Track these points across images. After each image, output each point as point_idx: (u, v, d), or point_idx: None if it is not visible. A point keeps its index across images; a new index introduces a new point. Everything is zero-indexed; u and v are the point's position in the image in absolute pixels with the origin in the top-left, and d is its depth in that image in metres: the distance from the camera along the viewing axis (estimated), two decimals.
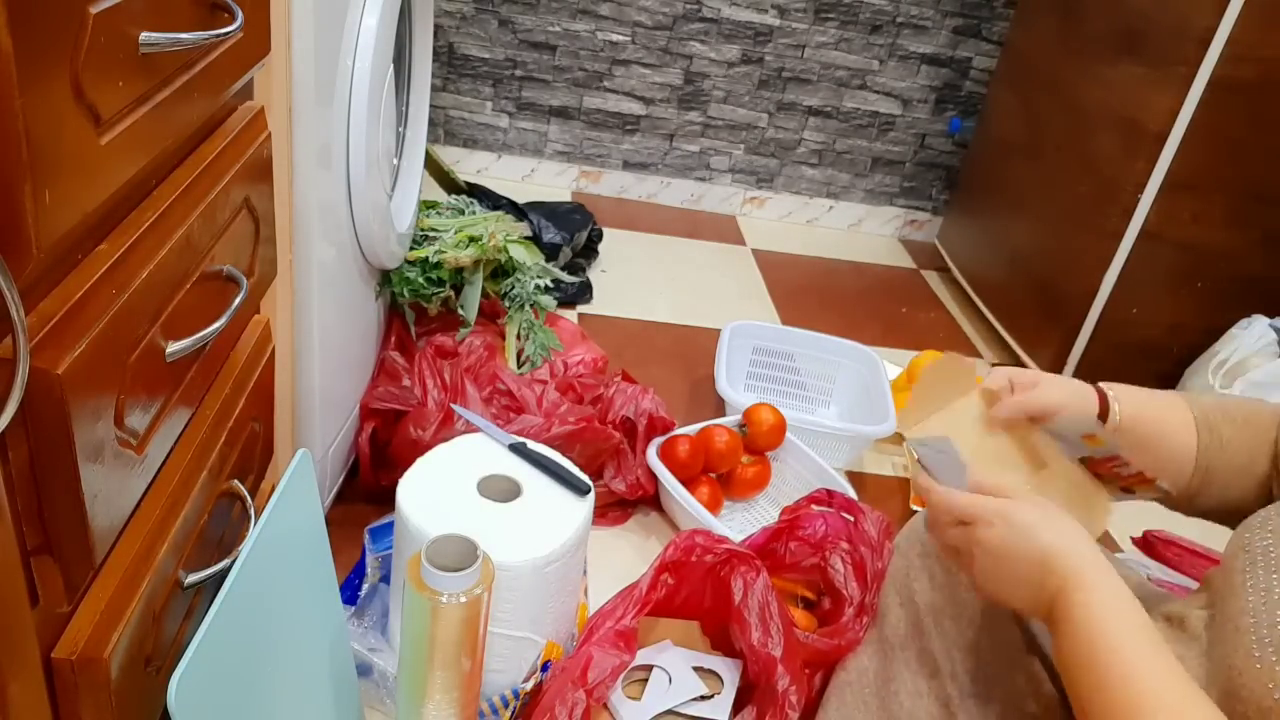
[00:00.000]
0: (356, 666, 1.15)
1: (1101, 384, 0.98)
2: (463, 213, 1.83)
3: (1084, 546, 0.72)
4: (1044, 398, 0.95)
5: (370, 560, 1.31)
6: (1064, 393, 0.96)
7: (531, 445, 1.24)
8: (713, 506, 1.51)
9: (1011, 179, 2.28)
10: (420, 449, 1.40)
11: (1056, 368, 2.01)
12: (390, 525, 1.30)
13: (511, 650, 1.12)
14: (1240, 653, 0.68)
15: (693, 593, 1.15)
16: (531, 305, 1.75)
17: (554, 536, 1.11)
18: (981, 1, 2.56)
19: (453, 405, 1.42)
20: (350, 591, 1.28)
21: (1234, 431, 0.92)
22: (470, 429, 1.35)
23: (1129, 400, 0.96)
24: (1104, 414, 0.95)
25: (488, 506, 1.14)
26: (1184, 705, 0.62)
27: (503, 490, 1.18)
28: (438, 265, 1.59)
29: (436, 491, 1.15)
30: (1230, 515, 0.90)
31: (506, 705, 1.11)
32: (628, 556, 1.46)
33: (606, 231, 2.40)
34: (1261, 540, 0.74)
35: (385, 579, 1.28)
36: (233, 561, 0.80)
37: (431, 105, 1.68)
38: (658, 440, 1.55)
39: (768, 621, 1.05)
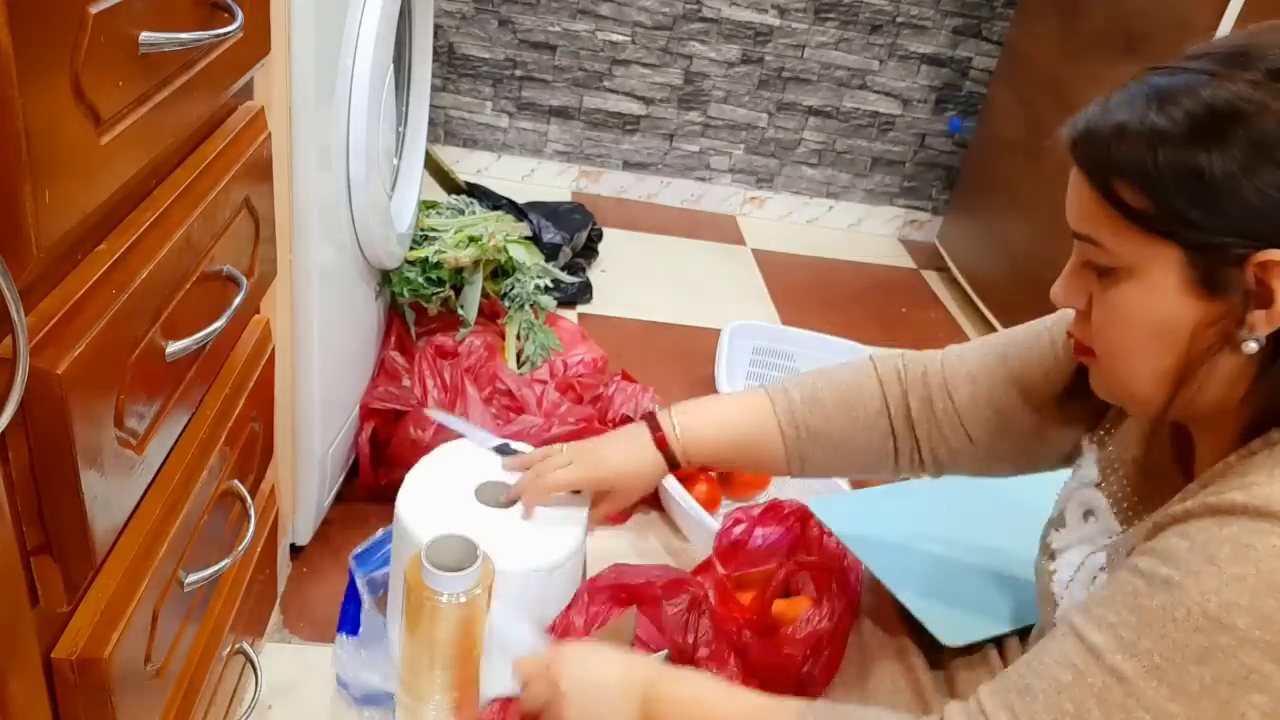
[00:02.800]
0: (374, 697, 1.13)
1: (666, 415, 1.00)
2: (463, 213, 1.83)
3: (638, 662, 0.85)
4: (593, 465, 1.01)
5: (360, 584, 1.26)
6: (618, 455, 1.00)
7: (515, 445, 1.22)
8: (710, 504, 1.51)
9: (1011, 179, 2.28)
10: (420, 449, 1.40)
11: None
12: (374, 546, 1.28)
13: (511, 654, 1.12)
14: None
15: None
16: (531, 305, 1.75)
17: (556, 543, 1.11)
18: (981, 1, 2.56)
19: (426, 410, 1.39)
20: (351, 622, 1.23)
21: (821, 420, 0.96)
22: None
23: (699, 429, 0.99)
24: (669, 455, 0.99)
25: (487, 514, 1.14)
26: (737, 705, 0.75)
27: (501, 496, 1.17)
28: (438, 265, 1.59)
29: (435, 501, 1.14)
30: (848, 472, 1.04)
31: None
32: (627, 556, 1.46)
33: (606, 231, 2.40)
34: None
35: (378, 598, 1.24)
36: None
37: (431, 105, 1.68)
38: None
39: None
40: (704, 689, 0.80)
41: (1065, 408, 0.87)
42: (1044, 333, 0.91)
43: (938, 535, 1.13)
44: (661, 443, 0.99)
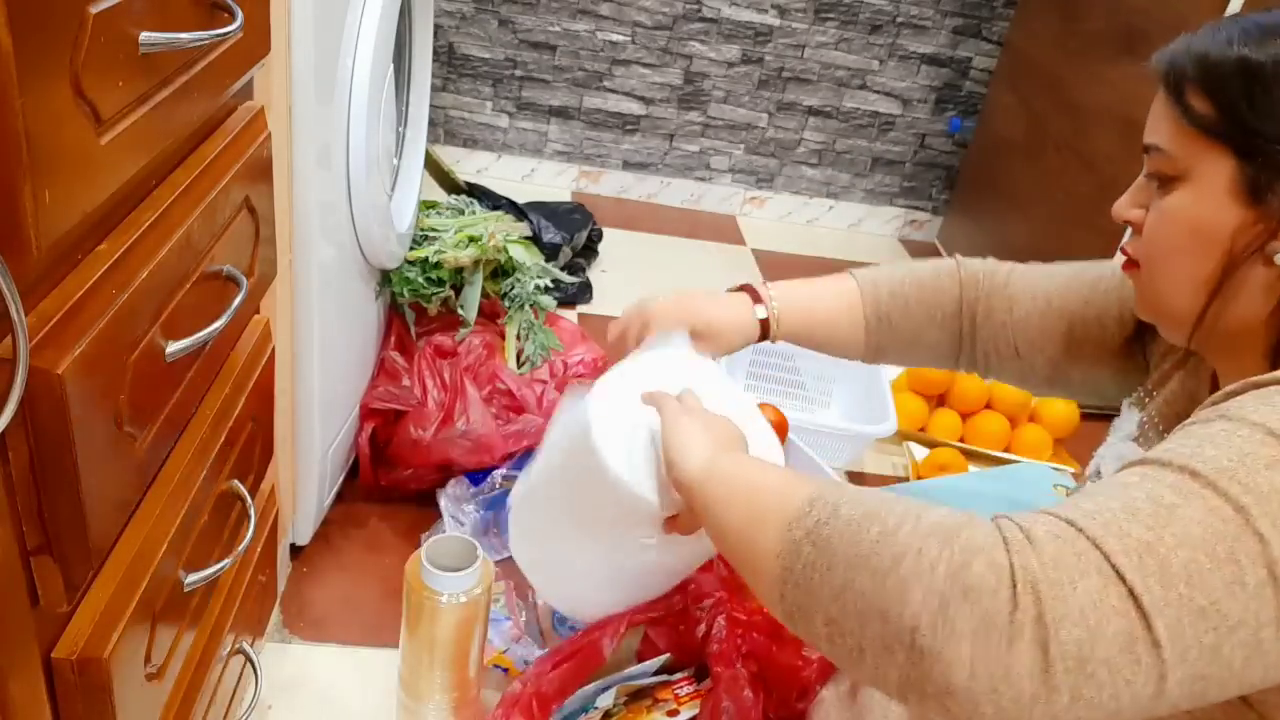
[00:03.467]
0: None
1: (764, 288, 1.03)
2: (463, 213, 1.83)
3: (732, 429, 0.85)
4: (694, 306, 1.02)
5: (496, 475, 1.42)
6: (719, 304, 1.03)
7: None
8: None
9: (1011, 179, 2.28)
10: (420, 449, 1.40)
11: None
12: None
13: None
14: None
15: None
16: (531, 305, 1.74)
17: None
18: (981, 1, 2.56)
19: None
20: (481, 476, 1.42)
21: (902, 315, 1.02)
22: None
23: (792, 305, 1.03)
24: (766, 324, 1.02)
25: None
26: (790, 479, 0.67)
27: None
28: (438, 265, 1.59)
29: (625, 404, 0.99)
30: (915, 362, 1.08)
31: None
32: None
33: (606, 231, 2.40)
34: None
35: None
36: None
37: (431, 105, 1.68)
38: None
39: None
40: (764, 462, 0.78)
41: (1124, 355, 0.94)
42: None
43: None
44: (756, 299, 1.03)
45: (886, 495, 0.60)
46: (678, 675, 1.14)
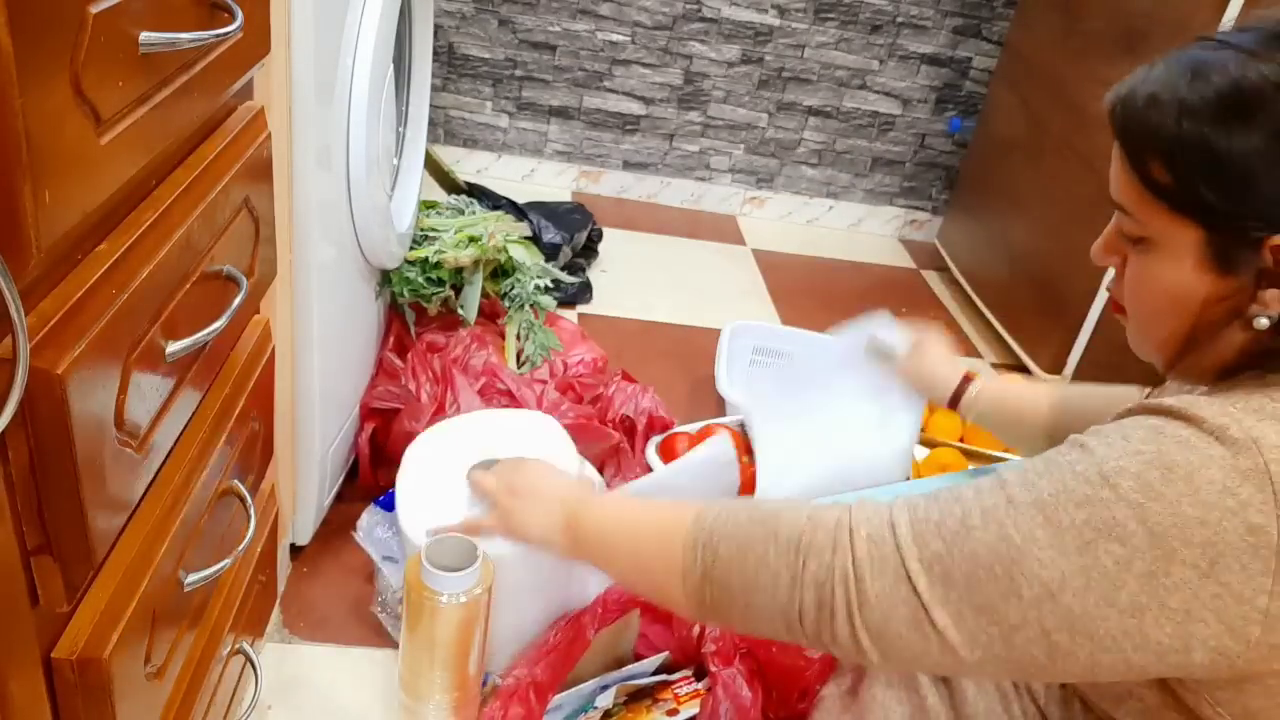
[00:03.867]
0: (391, 558, 1.26)
1: (985, 374, 1.16)
2: (463, 213, 1.83)
3: (577, 485, 1.00)
4: (937, 344, 1.23)
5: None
6: (940, 352, 1.22)
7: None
8: None
9: (1011, 179, 2.28)
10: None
11: (1056, 368, 2.01)
12: None
13: (517, 639, 1.11)
14: None
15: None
16: (531, 305, 1.74)
17: None
18: (981, 1, 2.56)
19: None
20: (389, 498, 1.34)
21: (1082, 399, 1.07)
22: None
23: (991, 387, 1.15)
24: (960, 391, 1.16)
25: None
26: (666, 510, 0.81)
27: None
28: (438, 265, 1.59)
29: (432, 490, 1.14)
30: None
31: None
32: None
33: (606, 231, 2.40)
34: None
35: None
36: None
37: (431, 105, 1.68)
38: (657, 438, 1.55)
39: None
40: (618, 505, 0.91)
41: None
42: None
43: None
44: (967, 377, 1.17)
45: (744, 518, 0.74)
46: (677, 675, 1.14)
